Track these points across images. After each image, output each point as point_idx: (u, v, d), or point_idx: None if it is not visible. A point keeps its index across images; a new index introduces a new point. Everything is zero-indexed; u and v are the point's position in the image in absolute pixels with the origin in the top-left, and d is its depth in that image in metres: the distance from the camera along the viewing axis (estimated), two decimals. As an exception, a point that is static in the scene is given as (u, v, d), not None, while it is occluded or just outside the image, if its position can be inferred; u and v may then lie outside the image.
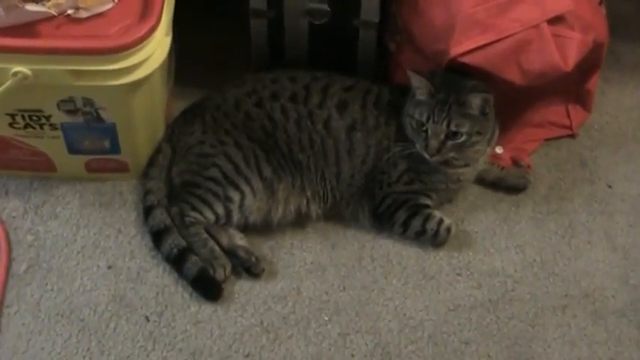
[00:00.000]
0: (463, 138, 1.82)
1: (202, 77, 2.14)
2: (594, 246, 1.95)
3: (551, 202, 2.03)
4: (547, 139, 2.15)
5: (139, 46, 1.71)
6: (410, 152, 1.86)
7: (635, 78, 2.33)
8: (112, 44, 1.70)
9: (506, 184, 2.04)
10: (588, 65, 2.01)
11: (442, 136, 1.81)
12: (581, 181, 2.08)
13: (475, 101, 1.81)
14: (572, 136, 2.16)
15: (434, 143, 1.81)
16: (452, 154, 1.84)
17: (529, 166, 2.08)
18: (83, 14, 1.74)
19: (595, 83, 2.14)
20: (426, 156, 1.83)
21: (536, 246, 1.94)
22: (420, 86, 1.82)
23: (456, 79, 1.84)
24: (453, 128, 1.80)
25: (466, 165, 1.90)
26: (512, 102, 1.98)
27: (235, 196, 1.86)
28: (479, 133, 1.84)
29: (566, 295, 1.85)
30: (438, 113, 1.80)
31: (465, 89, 1.81)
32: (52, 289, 1.81)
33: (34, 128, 1.85)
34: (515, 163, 2.08)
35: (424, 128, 1.82)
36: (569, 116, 2.15)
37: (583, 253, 1.93)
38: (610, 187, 2.07)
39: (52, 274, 1.83)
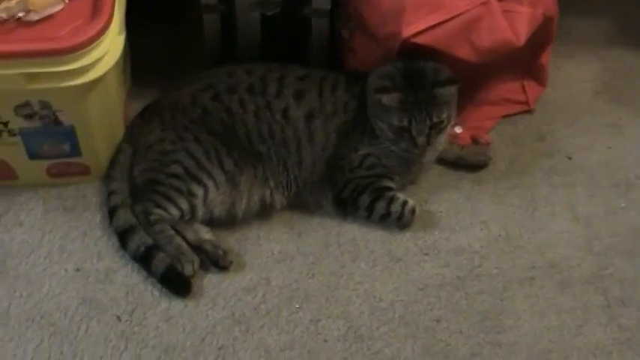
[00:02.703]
0: (445, 122, 1.86)
1: (158, 76, 2.14)
2: (557, 217, 1.97)
3: (512, 177, 2.05)
4: (504, 116, 2.18)
5: (91, 46, 1.71)
6: (380, 148, 1.89)
7: (586, 51, 2.37)
8: (65, 45, 1.69)
9: (467, 163, 2.06)
10: (540, 40, 2.04)
11: (427, 130, 1.84)
12: (541, 154, 2.11)
13: (445, 92, 1.84)
14: (528, 111, 2.20)
15: (422, 140, 1.84)
16: (436, 138, 1.87)
17: (488, 144, 2.10)
18: (34, 17, 1.73)
19: (548, 58, 2.17)
20: (415, 152, 1.86)
21: (500, 221, 1.96)
22: (392, 101, 1.83)
23: (413, 73, 1.86)
24: (435, 120, 1.83)
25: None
26: (468, 81, 1.99)
27: (198, 190, 1.86)
28: (453, 107, 1.89)
29: (532, 267, 1.88)
30: (417, 114, 1.82)
31: (429, 83, 1.83)
32: (21, 296, 1.79)
33: (-9, 135, 1.85)
34: (475, 141, 2.10)
35: (407, 130, 1.84)
36: (524, 92, 2.18)
37: (546, 224, 1.96)
38: (569, 158, 2.10)
39: (20, 280, 1.82)
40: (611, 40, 2.42)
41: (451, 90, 1.86)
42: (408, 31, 1.84)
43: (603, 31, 2.45)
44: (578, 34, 2.37)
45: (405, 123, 1.83)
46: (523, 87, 2.18)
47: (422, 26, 1.84)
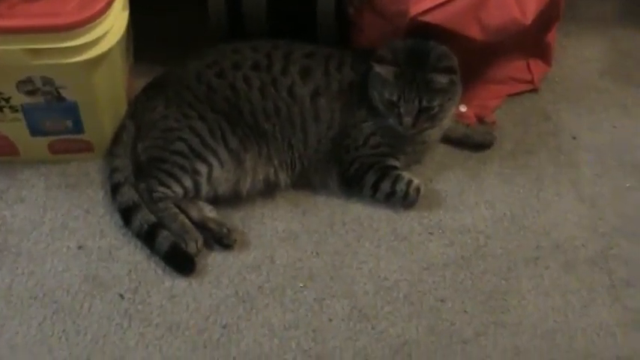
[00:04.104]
0: (436, 110, 1.84)
1: (162, 53, 2.12)
2: (562, 197, 1.97)
3: (518, 157, 2.05)
4: (510, 95, 2.17)
5: (96, 22, 1.70)
6: (385, 126, 1.88)
7: (592, 30, 2.36)
8: (69, 20, 1.68)
9: (473, 142, 2.05)
10: (547, 19, 2.03)
11: (415, 112, 1.82)
12: (546, 134, 2.10)
13: (440, 79, 1.82)
14: (534, 90, 2.19)
15: (408, 120, 1.83)
16: (426, 125, 1.86)
17: (494, 123, 2.09)
18: (37, -8, 1.72)
19: (554, 37, 2.16)
20: (401, 130, 1.85)
21: (505, 201, 1.95)
22: (386, 73, 1.82)
23: (418, 52, 1.85)
24: (425, 104, 1.82)
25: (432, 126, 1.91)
26: (474, 59, 1.99)
27: (203, 168, 1.85)
28: (450, 99, 1.86)
29: (537, 247, 1.87)
30: (407, 92, 1.81)
31: (428, 66, 1.82)
32: (23, 273, 1.79)
33: (-7, 112, 1.84)
34: (480, 120, 2.09)
35: (396, 106, 1.82)
36: (530, 71, 2.17)
37: (551, 205, 1.95)
38: (574, 138, 2.09)
39: (22, 257, 1.81)
40: (618, 20, 2.41)
41: (447, 79, 1.83)
42: (416, 9, 1.82)
43: (610, 10, 2.44)
44: (586, 13, 2.36)
45: (395, 98, 1.82)
46: (529, 66, 2.17)
47: (430, 4, 1.82)
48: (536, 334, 1.72)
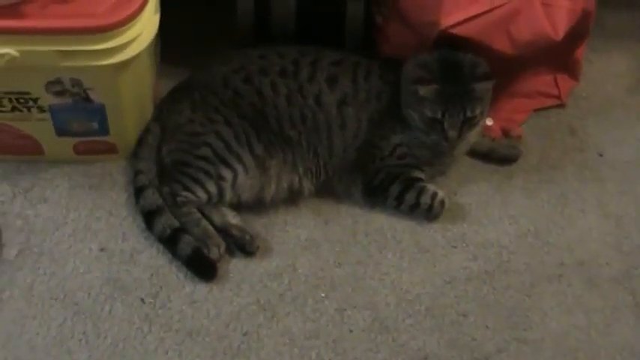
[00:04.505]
0: (478, 117, 1.84)
1: (188, 55, 2.11)
2: (587, 214, 1.95)
3: (543, 172, 2.03)
4: (536, 110, 2.16)
5: (127, 25, 1.69)
6: (413, 138, 1.88)
7: (620, 45, 2.35)
8: (100, 23, 1.67)
9: (498, 155, 2.04)
10: (577, 34, 2.01)
11: (459, 125, 1.82)
12: (572, 149, 2.09)
13: (481, 87, 1.82)
14: (561, 105, 2.17)
15: (453, 134, 1.83)
16: (467, 132, 1.86)
17: (519, 137, 2.08)
18: (69, -7, 1.71)
19: (582, 52, 2.14)
20: (445, 144, 1.85)
21: (529, 216, 1.94)
22: (427, 92, 1.81)
23: (451, 64, 1.84)
24: (469, 114, 1.81)
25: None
26: (501, 72, 1.97)
27: (227, 174, 1.84)
28: (487, 104, 1.87)
29: (561, 264, 1.86)
30: (452, 107, 1.80)
31: (466, 77, 1.81)
32: (45, 274, 1.78)
33: (21, 111, 1.83)
34: (506, 134, 2.08)
35: (439, 122, 1.82)
36: (557, 86, 2.16)
37: (576, 221, 1.94)
38: (600, 155, 2.08)
39: (44, 258, 1.81)
40: (647, 36, 2.40)
41: (487, 85, 1.83)
42: (447, 22, 1.81)
43: (639, 26, 2.42)
44: (614, 29, 2.34)
45: (439, 115, 1.81)
46: (556, 80, 2.15)
47: (461, 17, 1.81)
48: (558, 352, 1.71)
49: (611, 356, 1.71)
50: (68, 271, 1.79)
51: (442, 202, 1.90)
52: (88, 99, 1.80)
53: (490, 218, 1.93)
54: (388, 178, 1.89)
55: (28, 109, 1.82)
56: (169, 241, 1.81)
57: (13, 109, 1.82)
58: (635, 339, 1.74)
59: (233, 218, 1.86)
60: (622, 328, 1.75)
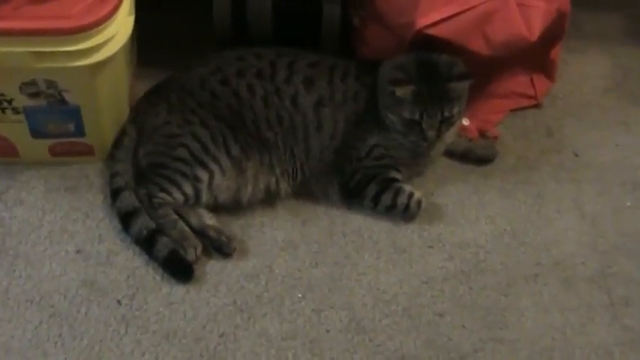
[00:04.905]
0: (455, 117, 1.85)
1: (165, 57, 2.11)
2: (563, 214, 1.96)
3: (520, 172, 2.04)
4: (513, 110, 2.17)
5: (101, 26, 1.69)
6: (389, 139, 1.88)
7: (596, 46, 2.36)
8: (75, 24, 1.67)
9: (475, 156, 2.05)
10: (552, 35, 2.02)
11: (437, 125, 1.82)
12: (548, 150, 2.10)
13: (458, 87, 1.82)
14: (537, 106, 2.18)
15: (432, 134, 1.83)
16: (445, 132, 1.86)
17: (496, 137, 2.09)
18: (43, -6, 1.71)
19: (558, 53, 2.15)
20: (424, 144, 1.85)
21: (506, 216, 1.95)
22: (404, 94, 1.81)
23: (427, 65, 1.84)
24: (447, 114, 1.82)
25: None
26: (478, 73, 1.97)
27: (204, 175, 1.84)
28: (463, 103, 1.87)
29: (537, 264, 1.86)
30: (429, 108, 1.81)
31: (442, 77, 1.82)
32: (20, 276, 1.78)
33: (-5, 113, 1.83)
34: (482, 134, 2.09)
35: (417, 123, 1.82)
36: (533, 86, 2.17)
37: (552, 221, 1.95)
38: (577, 155, 2.09)
39: (20, 260, 1.80)
40: (623, 37, 2.42)
41: (464, 85, 1.84)
42: (422, 22, 1.82)
43: (615, 27, 2.44)
44: (590, 30, 2.36)
45: (417, 116, 1.81)
46: (532, 81, 2.16)
47: (437, 17, 1.82)
48: (534, 351, 1.72)
49: (587, 355, 1.71)
50: (44, 273, 1.79)
51: (419, 203, 1.90)
52: (63, 100, 1.80)
53: (467, 218, 1.94)
54: (365, 179, 1.89)
55: (3, 110, 1.81)
56: (146, 243, 1.81)
57: (-12, 110, 1.82)
58: (610, 338, 1.75)
59: (210, 219, 1.85)
60: (597, 327, 1.76)
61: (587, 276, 1.85)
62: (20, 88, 1.76)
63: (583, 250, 1.90)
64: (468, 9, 1.83)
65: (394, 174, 1.91)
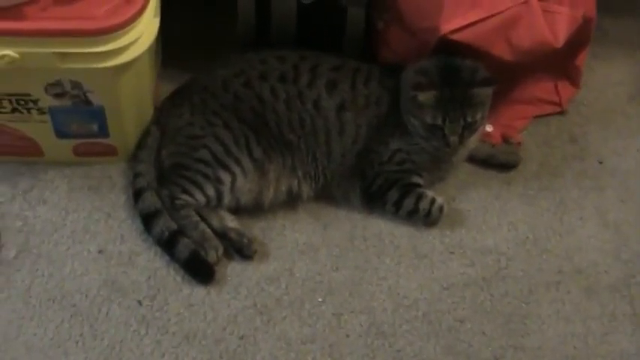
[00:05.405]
0: (478, 122, 1.84)
1: (189, 59, 2.11)
2: (586, 222, 1.95)
3: (542, 179, 2.03)
4: (536, 116, 2.15)
5: (127, 28, 1.69)
6: (412, 144, 1.87)
7: (622, 53, 2.34)
8: (100, 26, 1.67)
9: (497, 162, 2.04)
10: (577, 41, 2.01)
11: (460, 130, 1.81)
12: (572, 157, 2.08)
13: (481, 92, 1.81)
14: (561, 112, 2.17)
15: (455, 140, 1.82)
16: (468, 138, 1.85)
17: (519, 143, 2.07)
18: (70, -5, 1.72)
19: (583, 59, 2.14)
20: (446, 149, 1.85)
21: (528, 223, 1.94)
22: (427, 99, 1.80)
23: (451, 70, 1.83)
24: (469, 120, 1.81)
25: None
26: (502, 79, 1.96)
27: (226, 177, 1.84)
28: (486, 109, 1.86)
29: (559, 272, 1.85)
30: (452, 113, 1.80)
31: (465, 82, 1.81)
32: (43, 275, 1.79)
33: (21, 113, 1.83)
34: (506, 140, 2.07)
35: (440, 128, 1.82)
36: (558, 93, 2.15)
37: (575, 229, 1.93)
38: (600, 162, 2.07)
39: (42, 259, 1.81)
40: (649, 44, 2.40)
41: (487, 90, 1.83)
42: (447, 27, 1.81)
43: (640, 34, 2.43)
44: (616, 36, 2.34)
45: (439, 121, 1.81)
46: (556, 87, 2.15)
47: (461, 23, 1.81)
48: (555, 359, 1.71)
49: (608, 364, 1.71)
50: (66, 272, 1.80)
51: (441, 208, 1.89)
52: (87, 101, 1.80)
53: (488, 225, 1.93)
54: (387, 184, 1.89)
55: (28, 110, 1.82)
56: (167, 244, 1.81)
57: (14, 110, 1.82)
58: (632, 347, 1.73)
59: (231, 222, 1.86)
60: (619, 337, 1.75)
61: (609, 284, 1.84)
62: (46, 89, 1.77)
63: (606, 259, 1.88)
64: (493, 15, 1.82)
65: (416, 179, 1.91)
